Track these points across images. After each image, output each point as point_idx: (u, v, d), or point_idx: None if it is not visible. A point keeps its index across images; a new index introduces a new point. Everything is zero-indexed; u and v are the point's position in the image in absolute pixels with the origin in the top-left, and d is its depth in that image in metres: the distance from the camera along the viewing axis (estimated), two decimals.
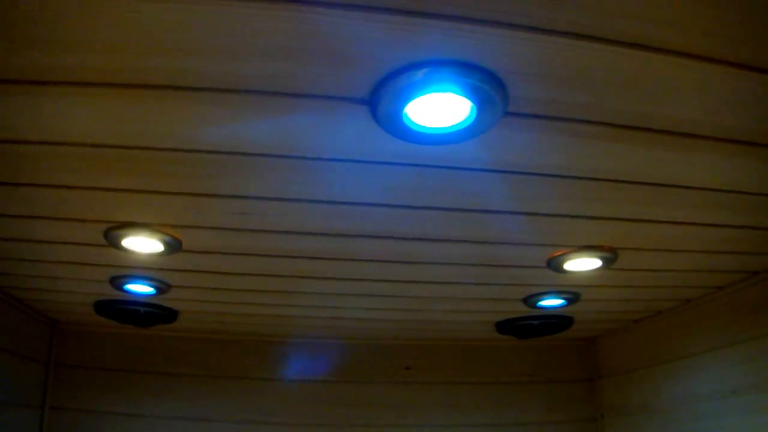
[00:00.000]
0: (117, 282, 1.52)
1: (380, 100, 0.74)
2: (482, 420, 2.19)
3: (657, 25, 0.65)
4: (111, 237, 1.20)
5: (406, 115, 0.78)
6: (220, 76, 0.72)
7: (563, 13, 0.63)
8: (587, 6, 0.62)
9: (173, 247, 1.25)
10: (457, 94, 0.73)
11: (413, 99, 0.74)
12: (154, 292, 1.58)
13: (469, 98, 0.74)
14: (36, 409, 1.89)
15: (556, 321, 1.93)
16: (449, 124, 0.81)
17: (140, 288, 1.56)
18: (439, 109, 0.78)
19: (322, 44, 0.67)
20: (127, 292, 1.60)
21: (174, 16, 0.62)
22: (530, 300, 1.70)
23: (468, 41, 0.67)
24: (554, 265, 1.39)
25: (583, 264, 1.38)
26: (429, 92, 0.73)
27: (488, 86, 0.72)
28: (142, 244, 1.23)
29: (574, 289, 1.63)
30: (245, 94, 0.76)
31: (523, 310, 1.81)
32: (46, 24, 0.63)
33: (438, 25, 0.64)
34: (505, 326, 1.99)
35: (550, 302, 1.72)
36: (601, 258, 1.34)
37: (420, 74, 0.70)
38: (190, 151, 0.89)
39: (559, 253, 1.33)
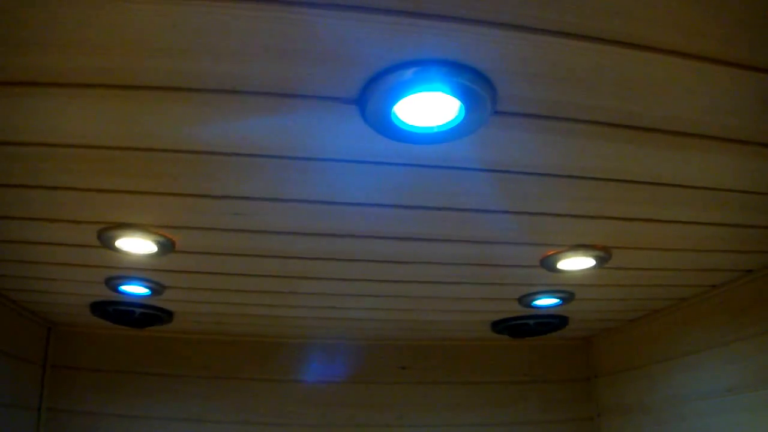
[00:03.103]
0: (112, 283, 1.52)
1: (369, 99, 0.75)
2: (478, 420, 2.19)
3: (648, 23, 0.65)
4: (104, 238, 1.20)
5: (395, 114, 0.78)
6: (210, 76, 0.72)
7: (553, 12, 0.63)
8: (578, 5, 0.62)
9: (166, 247, 1.25)
10: (446, 93, 0.73)
11: (402, 98, 0.75)
12: (149, 293, 1.58)
13: (458, 98, 0.74)
14: (32, 410, 1.89)
15: (551, 320, 1.93)
16: (438, 124, 0.81)
17: (135, 289, 1.56)
18: (429, 108, 0.78)
19: (310, 44, 0.67)
20: (123, 293, 1.60)
21: (166, 17, 0.63)
22: (525, 299, 1.70)
23: (457, 40, 0.67)
24: (548, 265, 1.39)
25: (576, 263, 1.38)
26: (418, 92, 0.73)
27: (477, 85, 0.72)
28: (136, 245, 1.23)
29: (568, 289, 1.63)
30: (235, 94, 0.76)
31: (518, 309, 1.82)
32: (40, 25, 0.63)
33: (426, 24, 0.64)
34: (501, 326, 1.99)
35: (545, 302, 1.72)
36: (595, 257, 1.34)
37: (408, 74, 0.70)
38: (182, 151, 0.89)
39: (553, 252, 1.33)
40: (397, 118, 0.79)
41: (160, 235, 1.20)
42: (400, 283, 1.55)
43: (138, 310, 1.76)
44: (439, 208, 1.10)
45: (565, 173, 0.98)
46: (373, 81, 0.73)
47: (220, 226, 1.17)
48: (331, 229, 1.19)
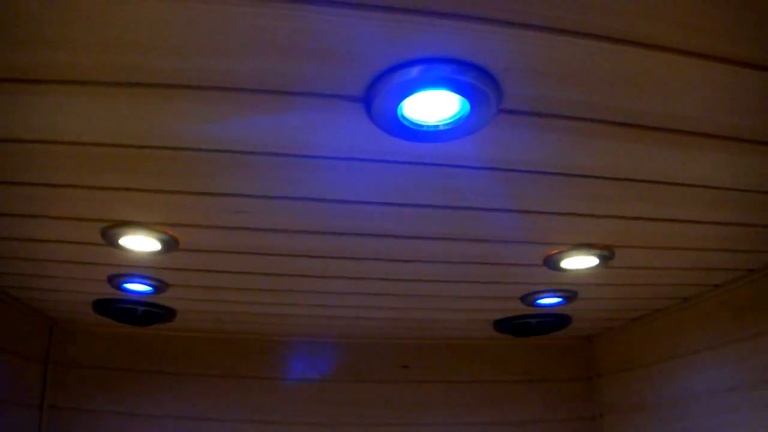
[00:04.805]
0: (115, 281, 1.52)
1: (374, 97, 0.74)
2: (480, 419, 2.19)
3: (653, 22, 0.65)
4: (108, 236, 1.20)
5: (400, 112, 0.78)
6: (215, 74, 0.72)
7: (558, 10, 0.63)
8: (583, 3, 0.62)
9: (170, 245, 1.25)
10: (452, 91, 0.73)
11: (407, 97, 0.74)
12: (152, 291, 1.59)
13: (463, 96, 0.74)
14: (34, 408, 1.89)
15: (553, 319, 1.93)
16: (444, 122, 0.81)
17: (138, 287, 1.56)
18: (434, 106, 0.78)
19: (316, 42, 0.67)
20: (126, 291, 1.60)
21: (169, 15, 0.63)
22: (528, 298, 1.70)
23: (462, 38, 0.67)
24: (551, 264, 1.39)
25: (580, 262, 1.38)
26: (423, 90, 0.73)
27: (482, 84, 0.72)
28: (139, 242, 1.23)
29: (571, 288, 1.63)
30: (240, 92, 0.76)
31: (520, 308, 1.82)
32: (43, 23, 0.63)
33: (432, 22, 0.64)
34: (503, 325, 1.99)
35: (548, 300, 1.72)
36: (598, 256, 1.34)
37: (414, 72, 0.70)
38: (187, 149, 0.89)
39: (556, 251, 1.33)
40: (403, 116, 0.79)
41: (164, 233, 1.20)
42: (403, 282, 1.55)
43: (140, 308, 1.76)
44: (442, 207, 1.10)
45: (568, 172, 0.98)
46: (379, 79, 0.72)
47: (223, 224, 1.17)
48: (335, 228, 1.19)
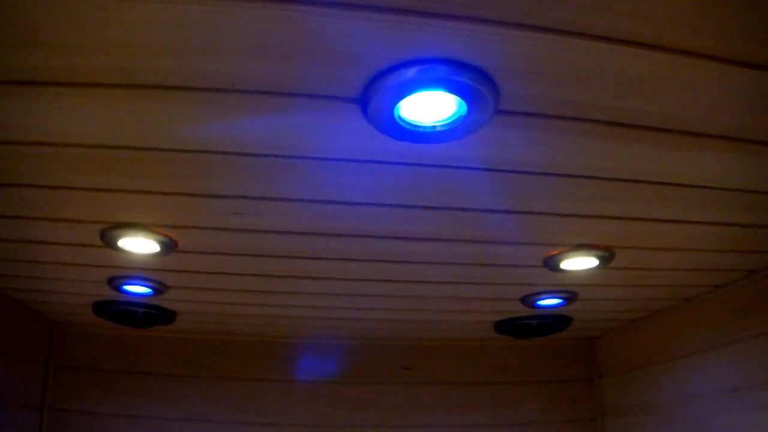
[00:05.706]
0: (115, 283, 1.52)
1: (371, 98, 0.74)
2: (481, 420, 2.18)
3: (651, 21, 0.65)
4: (107, 238, 1.20)
5: (397, 113, 0.78)
6: (211, 75, 0.72)
7: (555, 10, 0.63)
8: (580, 3, 0.62)
9: (169, 247, 1.25)
10: (449, 92, 0.73)
11: (404, 97, 0.74)
12: (152, 292, 1.59)
13: (460, 96, 0.74)
14: (35, 410, 1.89)
15: (554, 320, 1.93)
16: (441, 123, 0.81)
17: (138, 289, 1.56)
18: (431, 107, 0.78)
19: (312, 43, 0.67)
20: (126, 293, 1.60)
21: (167, 16, 0.62)
22: (528, 300, 1.70)
23: (459, 39, 0.67)
24: (551, 265, 1.39)
25: (579, 263, 1.38)
26: (420, 91, 0.73)
27: (479, 84, 0.72)
28: (138, 244, 1.23)
29: (571, 289, 1.62)
30: (237, 93, 0.76)
31: (521, 309, 1.81)
32: (41, 24, 0.63)
33: (429, 23, 0.64)
34: (504, 326, 1.98)
35: (548, 302, 1.71)
36: (598, 257, 1.34)
37: (411, 73, 0.70)
38: (185, 151, 0.89)
39: (555, 252, 1.33)
40: (400, 117, 0.79)
41: (163, 235, 1.20)
42: (402, 283, 1.55)
43: (140, 310, 1.76)
44: (440, 208, 1.10)
45: (567, 173, 0.98)
46: (376, 80, 0.72)
47: (222, 226, 1.17)
48: (333, 229, 1.19)
